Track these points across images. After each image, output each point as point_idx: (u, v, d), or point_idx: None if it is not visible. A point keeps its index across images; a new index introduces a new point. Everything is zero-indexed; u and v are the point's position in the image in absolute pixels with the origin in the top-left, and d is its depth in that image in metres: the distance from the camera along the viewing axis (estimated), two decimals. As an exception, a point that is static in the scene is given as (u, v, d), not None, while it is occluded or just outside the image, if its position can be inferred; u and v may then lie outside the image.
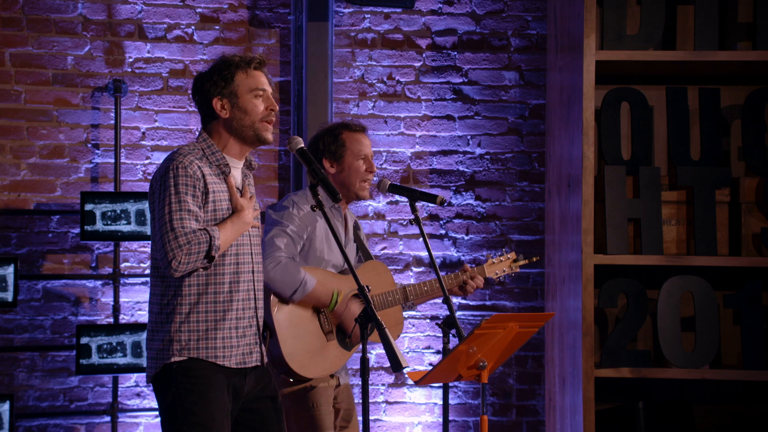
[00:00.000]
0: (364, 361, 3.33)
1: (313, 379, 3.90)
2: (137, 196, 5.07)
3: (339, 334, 3.95)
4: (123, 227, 5.04)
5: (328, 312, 3.89)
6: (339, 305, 3.90)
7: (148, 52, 5.41)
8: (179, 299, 3.32)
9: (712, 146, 4.66)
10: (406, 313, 5.45)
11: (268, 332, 3.79)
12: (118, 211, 5.04)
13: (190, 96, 3.48)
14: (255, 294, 3.45)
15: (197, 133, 3.49)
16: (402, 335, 5.47)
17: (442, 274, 4.12)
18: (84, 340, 4.98)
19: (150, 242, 5.27)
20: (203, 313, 3.33)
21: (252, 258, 3.45)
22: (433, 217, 5.53)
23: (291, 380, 3.88)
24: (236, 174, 3.46)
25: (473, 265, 4.33)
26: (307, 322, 3.89)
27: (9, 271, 4.91)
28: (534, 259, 4.44)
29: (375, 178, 4.13)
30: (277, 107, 3.47)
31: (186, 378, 3.30)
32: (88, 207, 5.00)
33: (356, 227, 4.24)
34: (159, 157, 5.37)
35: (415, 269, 5.51)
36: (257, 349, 3.44)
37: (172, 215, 3.26)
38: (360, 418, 4.41)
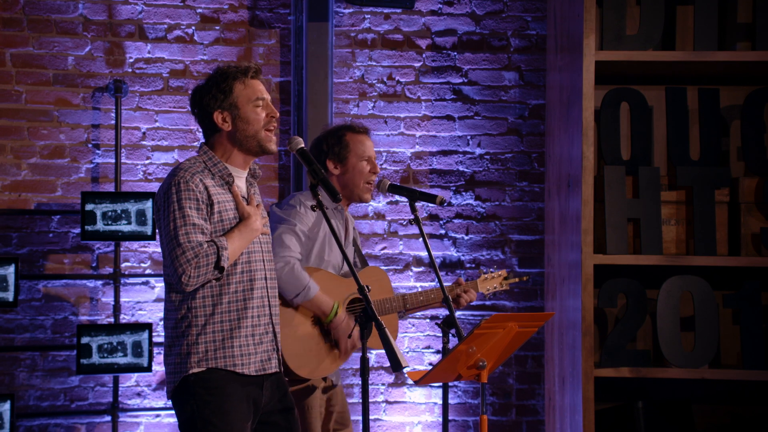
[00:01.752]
0: (364, 360, 3.34)
1: (310, 380, 3.92)
2: (138, 196, 5.07)
3: None
4: (123, 227, 5.05)
5: (326, 322, 3.90)
6: (337, 317, 3.90)
7: (149, 52, 5.41)
8: (194, 311, 3.33)
9: (711, 146, 4.67)
10: (406, 313, 5.46)
11: None
12: (119, 211, 5.04)
13: (190, 103, 3.48)
14: (269, 301, 3.45)
15: (198, 134, 3.50)
16: (402, 335, 5.48)
17: (441, 274, 4.14)
18: (84, 339, 4.99)
19: (150, 242, 5.30)
20: (219, 323, 3.34)
21: (264, 265, 3.45)
22: (433, 217, 5.54)
23: (286, 379, 3.89)
24: (240, 183, 3.46)
25: (471, 270, 4.36)
26: (307, 324, 3.90)
27: (10, 271, 4.92)
28: (524, 278, 4.62)
29: (375, 179, 4.15)
30: (278, 114, 3.47)
31: (204, 389, 3.30)
32: (89, 207, 5.01)
33: (354, 231, 4.27)
34: (159, 158, 5.38)
35: (414, 269, 5.52)
36: (275, 356, 3.45)
37: (177, 231, 3.27)
38: (359, 418, 4.42)
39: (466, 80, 5.57)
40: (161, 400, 5.36)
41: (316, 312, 3.89)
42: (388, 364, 5.39)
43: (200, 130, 3.50)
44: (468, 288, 4.26)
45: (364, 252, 5.47)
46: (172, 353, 3.35)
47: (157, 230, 3.48)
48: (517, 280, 4.52)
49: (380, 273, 4.18)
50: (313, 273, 3.91)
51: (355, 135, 4.12)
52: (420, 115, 5.55)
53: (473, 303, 5.47)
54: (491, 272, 4.40)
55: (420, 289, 5.40)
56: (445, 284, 3.92)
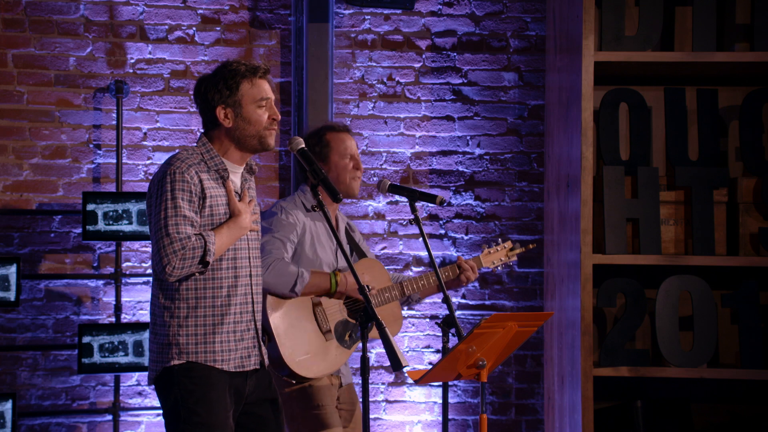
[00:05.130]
0: (365, 359, 3.36)
1: (315, 378, 3.93)
2: (139, 196, 5.09)
3: (337, 332, 3.98)
4: (125, 227, 5.06)
5: (332, 293, 3.92)
6: (340, 283, 3.94)
7: (150, 53, 5.43)
8: (178, 302, 3.35)
9: (710, 147, 4.68)
10: (406, 312, 5.47)
11: (266, 336, 3.82)
12: (120, 211, 5.06)
13: (192, 96, 3.49)
14: (253, 297, 3.47)
15: (198, 134, 3.52)
16: (402, 334, 5.49)
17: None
18: (86, 339, 5.00)
19: (151, 242, 5.31)
20: (201, 317, 3.36)
21: (250, 262, 3.47)
22: (432, 217, 5.55)
23: (293, 381, 3.91)
24: (235, 179, 3.47)
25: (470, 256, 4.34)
26: (304, 323, 3.92)
27: (11, 270, 4.94)
28: (530, 245, 4.48)
29: (375, 179, 4.18)
30: (279, 116, 3.49)
31: (188, 379, 3.32)
32: (90, 207, 5.03)
33: (350, 229, 4.28)
34: (160, 158, 5.40)
35: (414, 269, 5.53)
36: (255, 353, 3.46)
37: (167, 221, 3.29)
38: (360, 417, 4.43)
39: (465, 81, 5.58)
40: (162, 399, 5.37)
41: (319, 292, 3.92)
42: (388, 363, 5.41)
43: (201, 131, 3.52)
44: (468, 266, 4.26)
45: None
46: (155, 341, 3.37)
47: (147, 217, 3.48)
48: (523, 249, 4.43)
49: (375, 263, 4.18)
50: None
51: (336, 134, 4.15)
52: (420, 115, 5.57)
53: (473, 302, 5.50)
54: (495, 245, 4.39)
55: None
56: (446, 265, 3.91)
